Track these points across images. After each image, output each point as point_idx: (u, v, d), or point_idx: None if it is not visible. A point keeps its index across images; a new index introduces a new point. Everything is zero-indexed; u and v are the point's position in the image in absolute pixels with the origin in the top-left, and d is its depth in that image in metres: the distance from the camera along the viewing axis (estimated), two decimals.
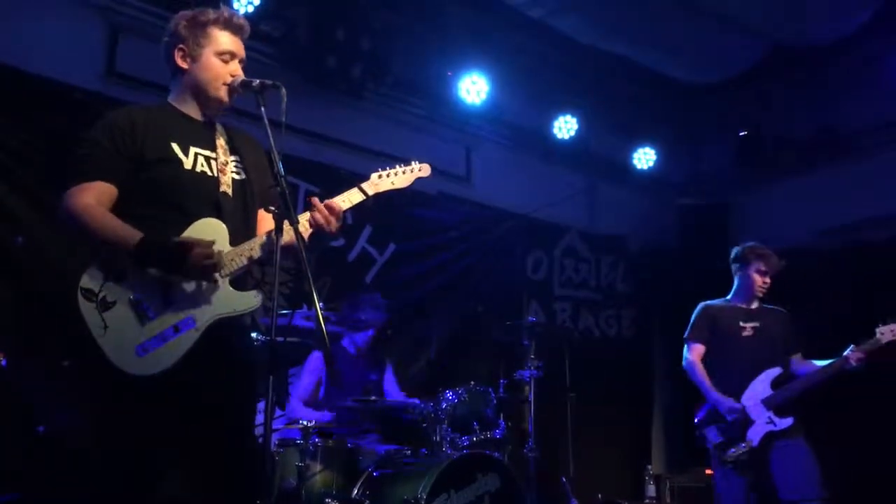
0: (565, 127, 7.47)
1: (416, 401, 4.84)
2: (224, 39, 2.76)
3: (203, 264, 2.50)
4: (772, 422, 4.55)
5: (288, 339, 4.59)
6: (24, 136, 4.85)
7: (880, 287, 6.17)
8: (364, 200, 2.91)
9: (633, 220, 8.18)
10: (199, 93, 2.76)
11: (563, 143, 7.52)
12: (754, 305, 4.88)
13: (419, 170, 3.08)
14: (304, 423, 4.37)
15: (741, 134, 7.77)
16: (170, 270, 2.51)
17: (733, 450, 4.55)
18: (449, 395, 4.68)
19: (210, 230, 2.62)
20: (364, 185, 2.93)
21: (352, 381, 5.05)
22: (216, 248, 2.56)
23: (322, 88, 6.12)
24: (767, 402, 4.59)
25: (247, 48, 2.83)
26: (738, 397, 4.64)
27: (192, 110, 2.79)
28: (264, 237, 2.67)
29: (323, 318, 2.50)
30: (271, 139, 2.59)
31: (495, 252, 7.19)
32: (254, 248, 2.66)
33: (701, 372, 4.74)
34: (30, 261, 4.75)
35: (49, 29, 5.17)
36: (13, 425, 4.35)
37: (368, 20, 6.21)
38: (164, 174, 2.63)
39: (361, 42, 6.11)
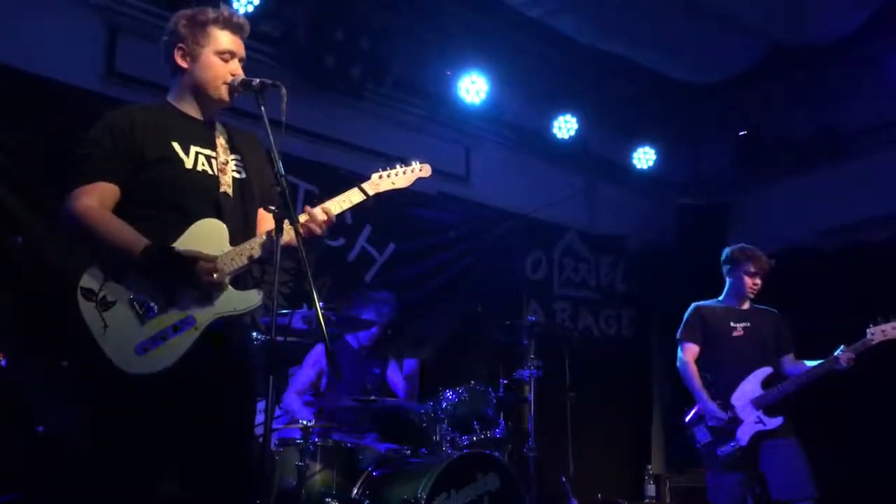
0: (565, 127, 7.47)
1: (415, 404, 4.85)
2: (224, 39, 2.76)
3: (206, 280, 2.51)
4: (761, 421, 4.59)
5: (288, 338, 4.59)
6: (24, 136, 4.85)
7: (880, 287, 6.17)
8: (364, 200, 2.91)
9: (632, 220, 8.18)
10: (199, 92, 2.76)
11: (562, 142, 7.51)
12: (745, 306, 4.93)
13: (420, 170, 3.08)
14: (304, 422, 4.37)
15: (741, 134, 7.77)
16: (173, 282, 2.51)
17: (722, 449, 4.59)
18: (449, 394, 4.68)
19: (210, 230, 2.63)
20: (365, 185, 2.93)
21: (353, 376, 5.06)
22: (217, 249, 2.56)
23: (321, 88, 6.12)
24: (757, 402, 4.63)
25: (246, 48, 2.83)
26: (728, 397, 4.68)
27: (192, 109, 2.78)
28: (264, 237, 2.67)
29: (323, 317, 2.50)
30: (271, 139, 2.59)
31: (495, 252, 7.19)
32: (254, 247, 2.66)
33: (693, 373, 4.78)
34: (29, 261, 4.75)
35: (49, 29, 5.17)
36: (13, 425, 4.34)
37: (368, 20, 6.22)
38: (164, 174, 2.63)
39: (361, 42, 6.12)
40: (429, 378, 5.77)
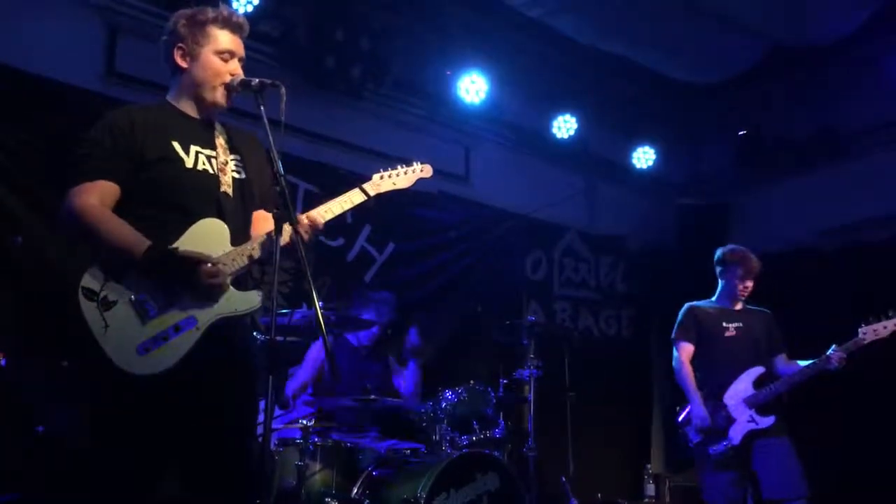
0: (565, 127, 7.47)
1: (415, 403, 4.85)
2: (223, 38, 2.76)
3: (208, 283, 2.51)
4: (753, 420, 4.63)
5: (287, 338, 4.59)
6: (24, 136, 4.85)
7: (880, 287, 6.17)
8: (365, 201, 2.92)
9: (632, 220, 8.18)
10: (199, 91, 2.76)
11: (562, 142, 7.51)
12: (738, 307, 4.98)
13: (421, 170, 3.09)
14: (303, 422, 4.37)
15: (741, 134, 7.77)
16: (174, 283, 2.51)
17: (714, 448, 4.62)
18: (448, 394, 4.69)
19: (212, 230, 2.63)
20: (366, 186, 2.94)
21: (352, 376, 5.06)
22: (218, 249, 2.57)
23: (321, 88, 6.12)
24: (749, 401, 4.67)
25: (246, 48, 2.83)
26: (720, 396, 4.72)
27: (192, 109, 2.78)
28: (264, 237, 2.67)
29: (323, 317, 2.50)
30: (270, 138, 2.58)
31: (495, 252, 7.19)
32: (254, 248, 2.66)
33: (687, 373, 4.83)
34: (30, 261, 4.74)
35: (49, 29, 5.17)
36: (13, 425, 4.34)
37: (368, 20, 6.22)
38: (165, 173, 2.63)
39: (361, 42, 6.12)
40: (429, 378, 5.77)
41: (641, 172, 8.05)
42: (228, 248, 2.63)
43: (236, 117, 3.02)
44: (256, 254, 2.65)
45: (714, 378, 4.80)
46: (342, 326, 5.20)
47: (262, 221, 2.80)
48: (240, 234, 2.70)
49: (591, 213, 8.12)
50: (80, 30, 5.37)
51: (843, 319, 4.78)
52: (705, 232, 7.55)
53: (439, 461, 4.23)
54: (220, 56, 2.75)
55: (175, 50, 2.75)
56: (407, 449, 4.69)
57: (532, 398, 5.28)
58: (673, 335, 4.99)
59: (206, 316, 2.54)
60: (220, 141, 2.80)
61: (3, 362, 4.27)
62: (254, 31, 3.10)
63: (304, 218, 2.67)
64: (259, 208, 2.84)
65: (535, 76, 7.29)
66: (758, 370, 4.75)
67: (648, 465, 6.96)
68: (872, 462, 6.21)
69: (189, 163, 2.68)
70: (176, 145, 2.68)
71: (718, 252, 5.03)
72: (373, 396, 4.59)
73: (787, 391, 4.70)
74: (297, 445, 4.33)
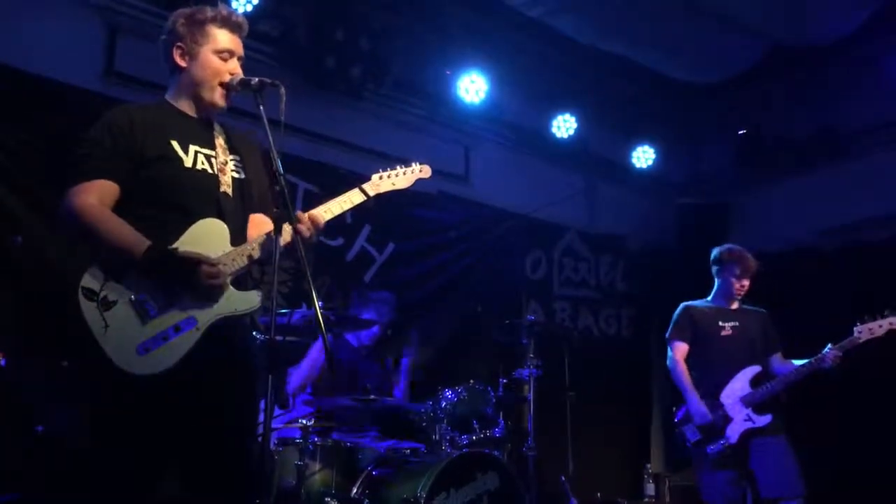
0: (564, 126, 7.47)
1: (414, 403, 4.85)
2: (223, 37, 2.76)
3: (208, 283, 2.51)
4: (750, 419, 4.65)
5: (287, 338, 4.59)
6: (24, 135, 4.85)
7: (880, 287, 6.17)
8: (365, 201, 2.92)
9: (632, 219, 8.18)
10: (198, 91, 2.75)
11: (562, 142, 7.51)
12: (734, 306, 5.00)
13: (420, 171, 3.10)
14: (303, 421, 4.37)
15: (741, 133, 7.77)
16: (174, 284, 2.51)
17: (711, 447, 4.63)
18: (448, 393, 4.68)
19: (211, 230, 2.63)
20: (365, 186, 2.95)
21: (353, 376, 5.06)
22: (218, 249, 2.57)
23: (321, 88, 6.12)
24: (746, 400, 4.69)
25: (245, 48, 2.83)
26: (716, 396, 4.73)
27: (191, 108, 2.78)
28: (264, 237, 2.67)
29: (322, 317, 2.51)
30: (270, 138, 2.58)
31: (495, 251, 7.19)
32: (254, 248, 2.66)
33: (683, 372, 4.84)
34: (29, 261, 4.74)
35: (48, 29, 5.17)
36: (13, 425, 4.34)
37: (368, 20, 6.22)
38: (164, 172, 2.63)
39: (361, 42, 6.12)
40: (429, 378, 5.77)
41: (641, 172, 8.05)
42: (228, 248, 2.63)
43: (236, 117, 3.02)
44: (256, 254, 2.65)
45: (710, 377, 4.81)
46: (342, 326, 5.21)
47: (258, 226, 2.79)
48: (239, 234, 2.70)
49: (591, 212, 8.12)
50: (80, 30, 5.37)
51: (843, 319, 4.78)
52: (705, 231, 7.54)
53: (439, 461, 4.23)
54: (220, 55, 2.74)
55: (174, 49, 2.75)
56: (407, 448, 4.69)
57: (532, 398, 5.28)
58: (667, 334, 5.01)
59: (205, 316, 2.54)
60: (220, 141, 2.80)
61: (2, 362, 4.27)
62: (253, 30, 3.10)
63: (304, 216, 2.67)
64: (256, 211, 2.84)
65: (534, 76, 7.28)
66: (754, 369, 4.77)
67: (648, 465, 6.96)
68: (868, 461, 6.22)
69: (188, 162, 2.68)
70: (175, 144, 2.67)
71: (715, 251, 5.04)
72: (372, 396, 4.59)
73: (783, 390, 4.71)
74: (296, 445, 4.33)
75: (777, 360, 4.90)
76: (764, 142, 7.72)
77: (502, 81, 6.95)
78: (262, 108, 2.65)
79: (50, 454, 4.29)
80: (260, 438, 2.54)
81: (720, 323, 4.89)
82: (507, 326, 5.67)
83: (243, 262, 2.63)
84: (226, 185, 2.72)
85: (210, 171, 2.71)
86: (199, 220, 2.62)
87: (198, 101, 2.77)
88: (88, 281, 2.47)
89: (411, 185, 3.07)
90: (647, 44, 6.96)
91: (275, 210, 2.56)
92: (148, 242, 2.48)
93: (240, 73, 2.76)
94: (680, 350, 4.91)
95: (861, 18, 6.50)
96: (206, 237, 2.60)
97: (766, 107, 7.76)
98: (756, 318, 4.97)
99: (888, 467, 6.09)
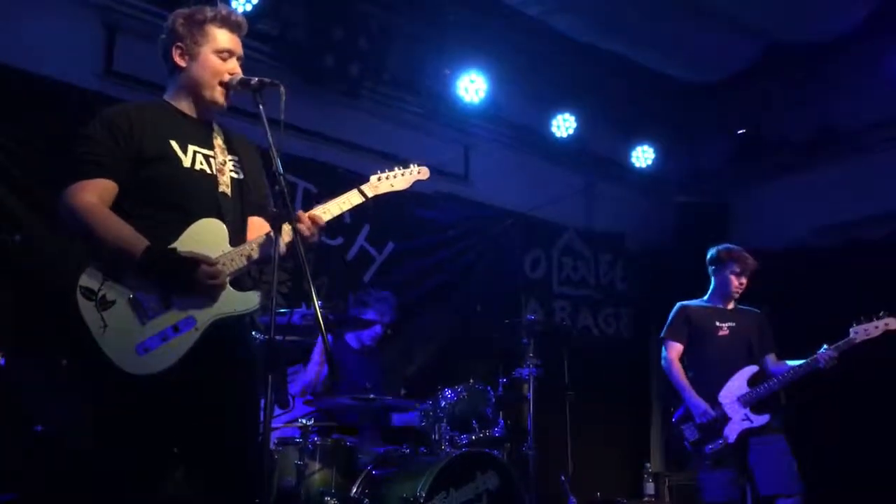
0: (564, 125, 7.47)
1: (414, 403, 4.85)
2: (222, 37, 2.75)
3: (208, 283, 2.51)
4: (748, 419, 4.65)
5: (287, 337, 4.59)
6: (23, 135, 4.85)
7: (879, 285, 6.18)
8: (363, 202, 2.92)
9: (631, 218, 8.19)
10: (197, 91, 2.75)
11: (561, 141, 7.51)
12: (730, 306, 5.00)
13: (418, 172, 3.11)
14: (303, 421, 4.37)
15: (740, 132, 7.77)
16: (173, 284, 2.51)
17: (710, 446, 4.64)
18: (448, 393, 4.69)
19: (210, 230, 2.62)
20: (363, 187, 2.95)
21: (353, 376, 5.06)
22: (217, 250, 2.56)
23: (320, 87, 6.12)
24: (744, 400, 4.70)
25: (244, 47, 2.83)
26: (714, 395, 4.73)
27: (190, 108, 2.78)
28: (264, 237, 2.66)
29: (322, 317, 2.50)
30: (270, 137, 2.58)
31: (494, 251, 7.19)
32: (253, 248, 2.65)
33: (678, 371, 4.85)
34: (29, 260, 4.74)
35: (47, 28, 5.16)
36: (12, 425, 4.34)
37: (366, 19, 6.22)
38: (162, 172, 2.62)
39: (359, 41, 6.12)
40: (428, 377, 5.77)
41: (640, 171, 8.05)
42: (227, 248, 2.62)
43: (234, 116, 3.02)
44: (255, 254, 2.65)
45: (707, 377, 4.80)
46: (342, 326, 5.20)
47: (257, 230, 2.78)
48: (238, 234, 2.70)
49: (591, 211, 8.12)
50: (79, 29, 5.37)
51: (842, 317, 4.79)
52: (704, 230, 7.53)
53: (439, 460, 4.23)
54: (219, 55, 2.74)
55: (173, 49, 2.75)
56: (406, 448, 4.69)
57: (531, 397, 5.28)
58: (662, 334, 5.01)
59: (205, 316, 2.54)
60: (218, 141, 2.80)
61: (2, 362, 4.27)
62: (252, 29, 3.10)
63: (305, 216, 2.67)
64: (255, 212, 2.83)
65: (534, 75, 7.29)
66: (752, 369, 4.77)
67: (648, 464, 6.96)
68: (867, 461, 6.22)
69: (187, 162, 2.67)
70: (174, 144, 2.67)
71: (712, 251, 5.04)
72: (372, 396, 4.59)
73: (781, 389, 4.73)
74: (296, 445, 4.33)
75: (771, 360, 4.90)
76: (763, 141, 7.73)
77: (502, 81, 6.95)
78: (261, 107, 2.65)
79: (49, 454, 4.29)
80: (260, 438, 2.54)
81: (717, 323, 4.89)
82: (506, 326, 5.66)
83: (242, 262, 2.63)
84: (224, 186, 2.72)
85: (209, 171, 2.71)
86: (197, 220, 2.61)
87: (197, 100, 2.77)
88: (87, 280, 2.47)
89: (409, 187, 3.08)
90: (646, 43, 6.96)
91: (274, 209, 2.56)
92: (147, 242, 2.48)
93: (239, 73, 2.76)
94: (674, 350, 4.91)
95: (860, 17, 6.51)
96: (205, 237, 2.60)
97: (765, 106, 7.77)
98: (752, 319, 4.98)
99: (888, 467, 6.09)
